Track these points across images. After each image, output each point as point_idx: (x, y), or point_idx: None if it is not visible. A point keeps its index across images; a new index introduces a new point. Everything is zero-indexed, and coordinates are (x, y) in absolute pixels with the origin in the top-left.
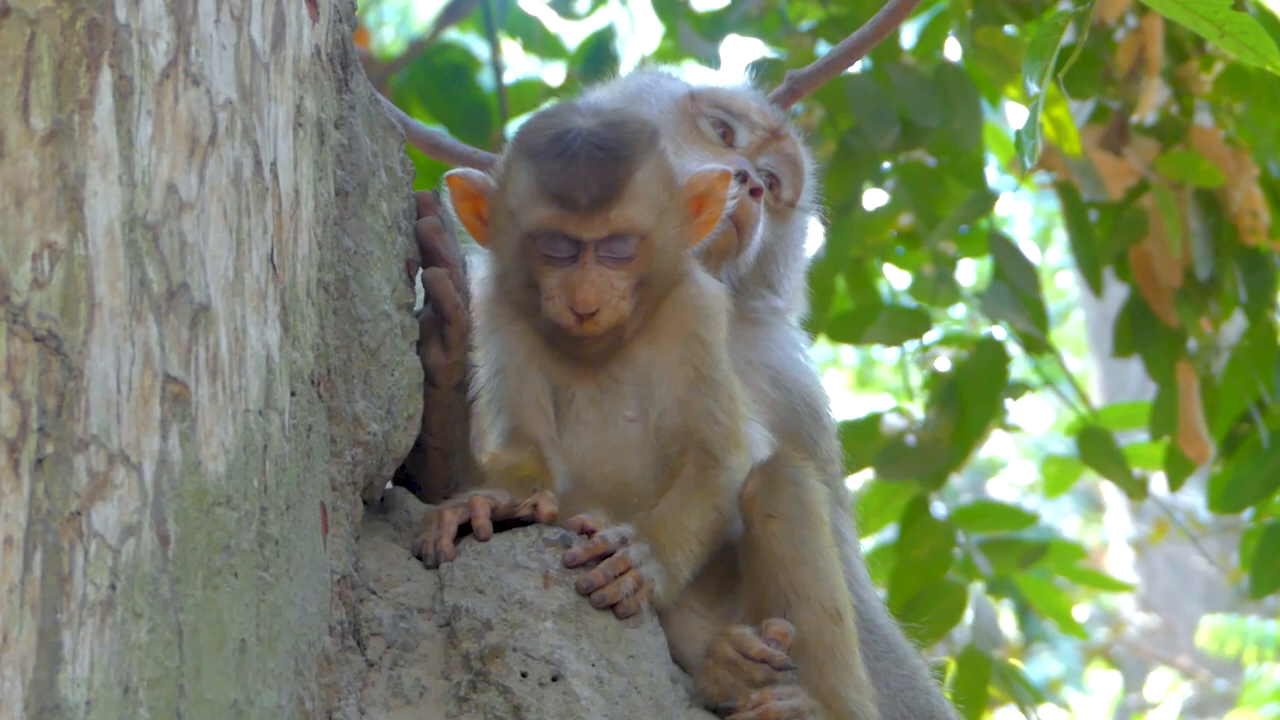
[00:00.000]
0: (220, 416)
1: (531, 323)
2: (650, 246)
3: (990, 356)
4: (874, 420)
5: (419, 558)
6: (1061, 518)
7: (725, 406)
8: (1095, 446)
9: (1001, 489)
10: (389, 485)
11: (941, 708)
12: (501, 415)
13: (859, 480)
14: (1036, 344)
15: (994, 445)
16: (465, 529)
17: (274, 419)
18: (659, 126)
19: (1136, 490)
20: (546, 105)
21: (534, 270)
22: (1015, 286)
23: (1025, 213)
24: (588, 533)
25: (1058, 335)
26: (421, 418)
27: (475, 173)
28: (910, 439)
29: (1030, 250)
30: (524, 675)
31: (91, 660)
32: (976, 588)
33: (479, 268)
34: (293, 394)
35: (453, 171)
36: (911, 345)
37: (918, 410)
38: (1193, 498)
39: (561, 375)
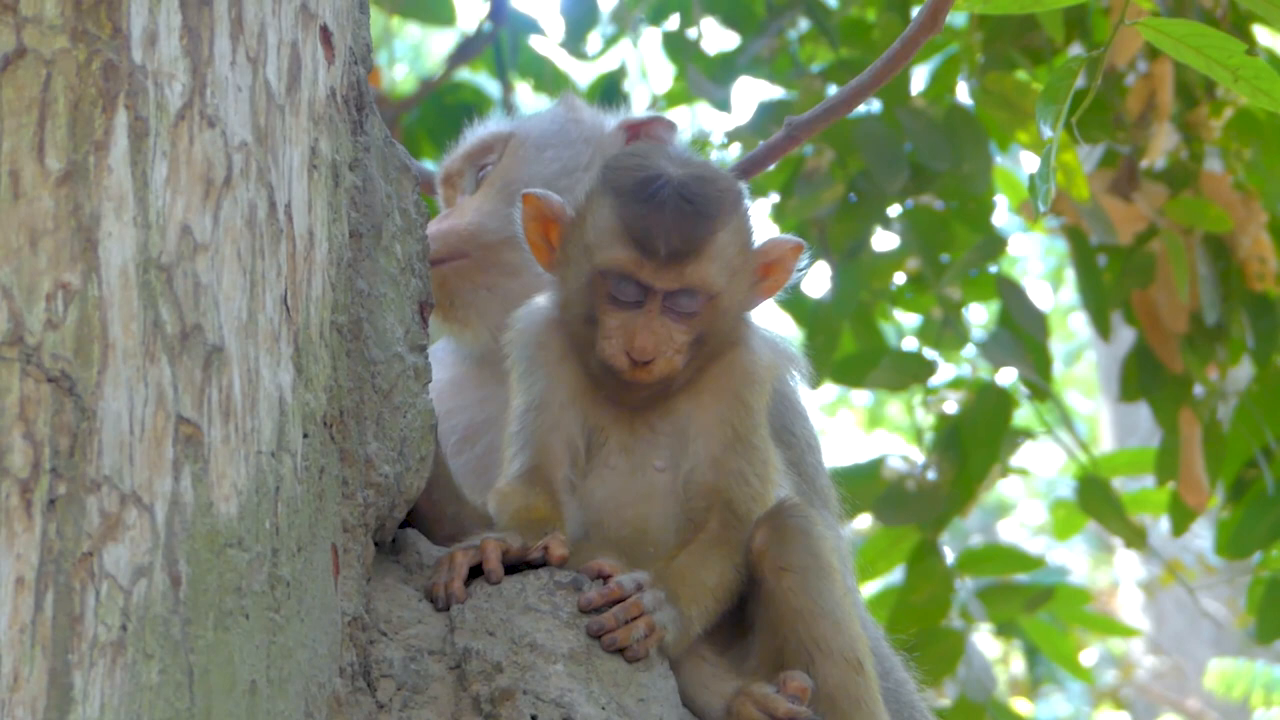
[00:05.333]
0: (233, 458)
1: (581, 359)
2: (716, 306)
3: (993, 402)
4: (877, 465)
5: (430, 600)
6: (1071, 559)
7: (758, 470)
8: (1094, 495)
9: (1011, 530)
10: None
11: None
12: (524, 451)
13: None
14: (1039, 390)
15: (1004, 486)
16: (476, 571)
17: (286, 461)
18: (743, 186)
19: (1135, 539)
20: (635, 145)
21: (596, 306)
22: (1021, 331)
23: (1036, 252)
24: (604, 577)
25: (1069, 376)
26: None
27: (554, 196)
28: (910, 485)
29: (1042, 290)
30: (534, 718)
31: (102, 701)
32: (973, 634)
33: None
34: (305, 436)
35: (531, 190)
36: (915, 389)
37: (920, 455)
38: (1204, 541)
39: (599, 417)
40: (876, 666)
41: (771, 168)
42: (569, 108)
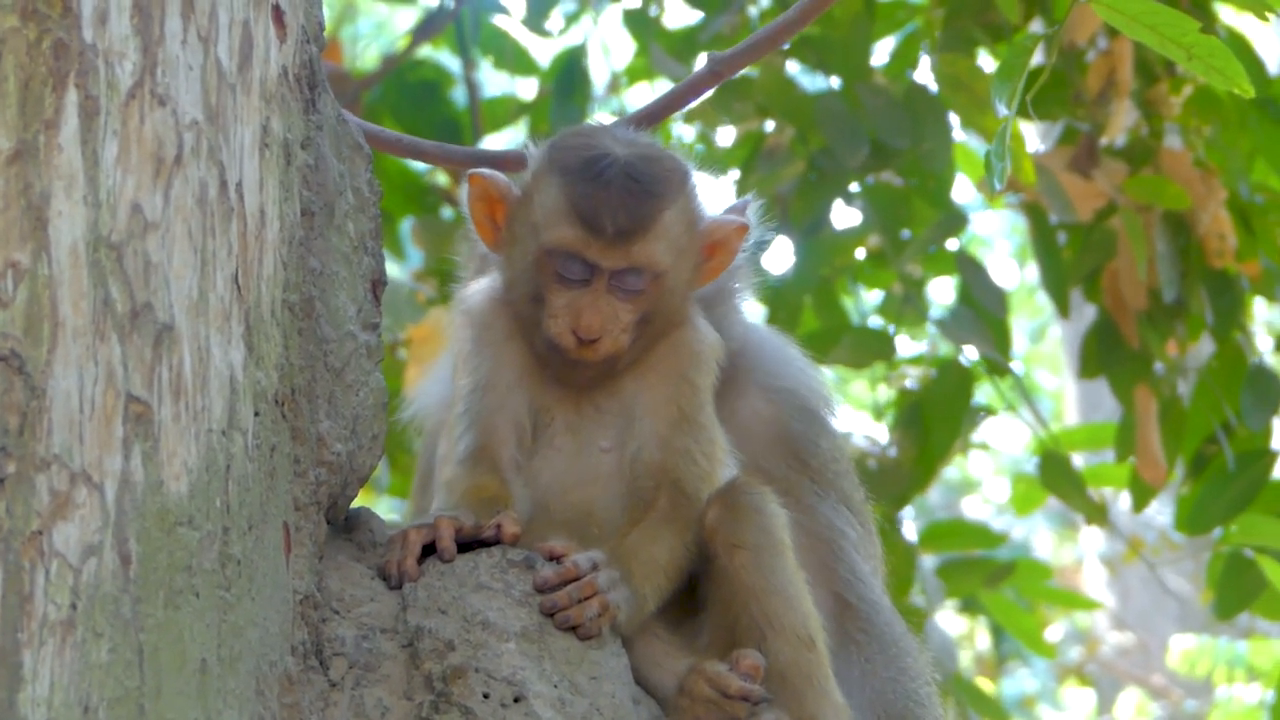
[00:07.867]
0: (183, 436)
1: (527, 339)
2: (661, 285)
3: (954, 379)
4: None
5: (383, 578)
6: (1035, 535)
7: (705, 450)
8: (1055, 471)
9: (975, 506)
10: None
11: (919, 713)
12: (470, 431)
13: None
14: (998, 368)
15: (968, 463)
16: (429, 549)
17: (237, 439)
18: (689, 166)
19: (1095, 515)
20: (580, 125)
21: (543, 285)
22: (980, 308)
23: (1003, 229)
24: (557, 557)
25: (1035, 353)
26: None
27: (500, 176)
28: (872, 462)
29: (1008, 268)
30: (486, 696)
31: (52, 680)
32: (936, 611)
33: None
34: (256, 414)
35: (477, 170)
36: (877, 366)
37: (881, 432)
38: (1167, 517)
39: (545, 398)
40: (888, 648)
41: (733, 143)
42: None
